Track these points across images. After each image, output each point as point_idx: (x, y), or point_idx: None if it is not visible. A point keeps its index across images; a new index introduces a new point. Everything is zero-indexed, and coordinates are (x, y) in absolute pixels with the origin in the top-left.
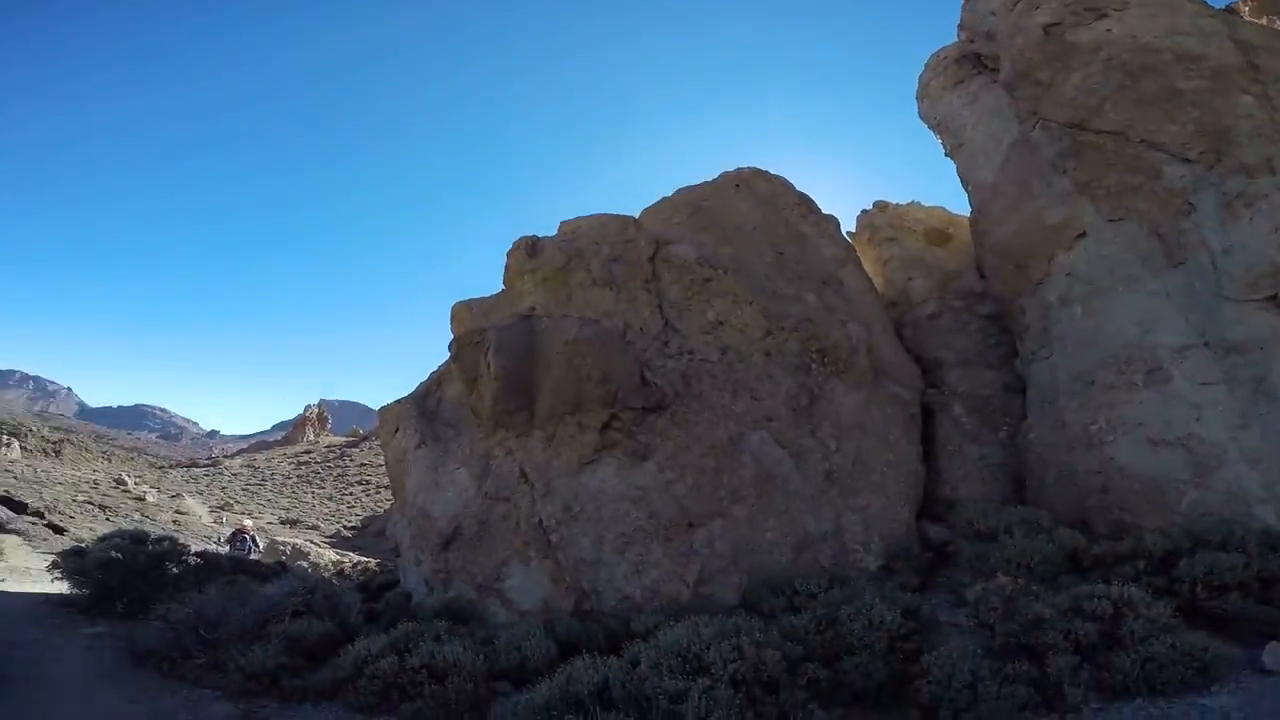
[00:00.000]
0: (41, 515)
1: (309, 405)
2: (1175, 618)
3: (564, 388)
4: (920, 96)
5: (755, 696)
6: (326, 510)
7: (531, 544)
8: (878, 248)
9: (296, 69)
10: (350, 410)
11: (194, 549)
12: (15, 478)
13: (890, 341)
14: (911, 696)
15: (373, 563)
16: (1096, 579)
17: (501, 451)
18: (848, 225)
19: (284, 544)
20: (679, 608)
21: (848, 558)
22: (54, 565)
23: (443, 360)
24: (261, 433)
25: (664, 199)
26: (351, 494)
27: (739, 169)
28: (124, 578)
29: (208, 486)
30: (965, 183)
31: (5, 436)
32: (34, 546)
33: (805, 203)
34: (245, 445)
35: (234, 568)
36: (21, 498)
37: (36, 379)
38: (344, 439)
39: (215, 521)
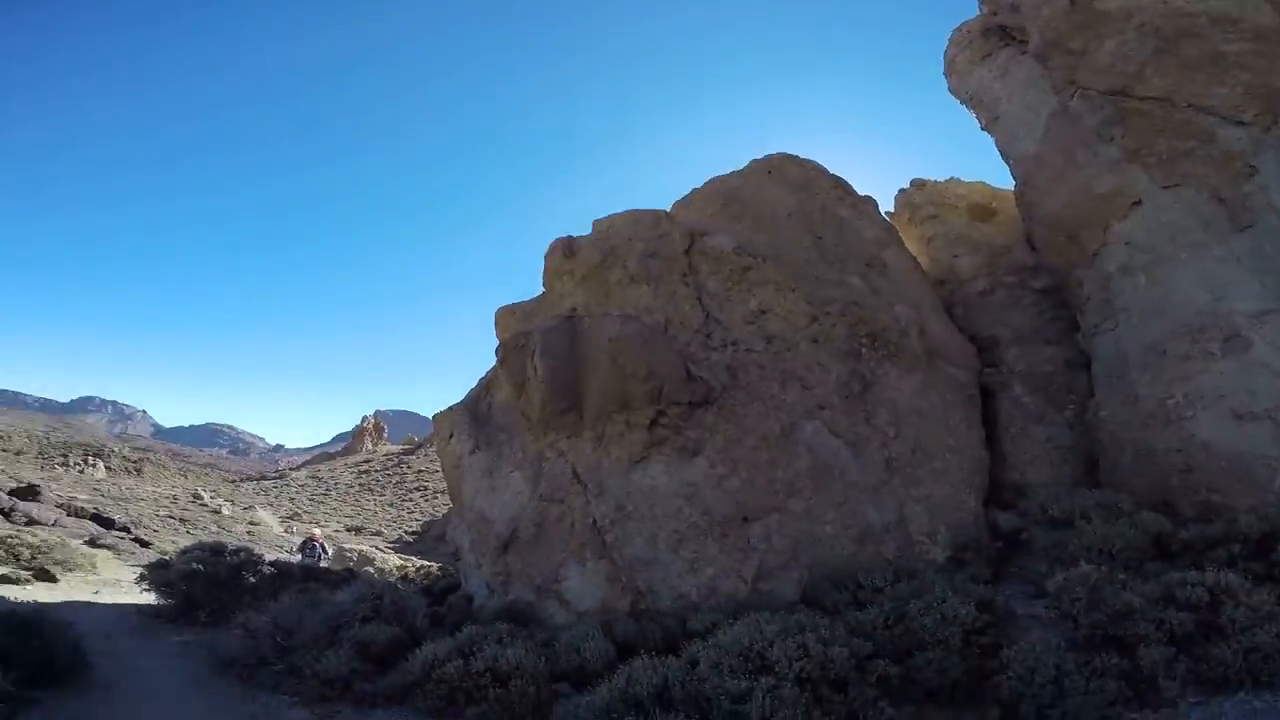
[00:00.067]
0: (128, 530)
1: (365, 416)
2: (1279, 606)
3: (609, 386)
4: (948, 72)
5: (822, 695)
6: (388, 517)
7: (587, 545)
8: (919, 226)
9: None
10: (404, 419)
11: (268, 558)
12: (103, 495)
13: (942, 321)
14: (990, 693)
15: (435, 567)
16: (1186, 565)
17: (553, 453)
18: (884, 206)
19: (351, 551)
20: (737, 605)
21: (913, 549)
22: (141, 577)
23: (490, 365)
24: (323, 445)
25: (694, 190)
26: (410, 500)
27: (768, 156)
28: (206, 588)
29: (276, 498)
30: (1005, 156)
31: (91, 457)
32: (123, 560)
33: (841, 185)
34: (308, 457)
35: (306, 575)
36: (110, 514)
37: (114, 403)
38: (400, 447)
39: (285, 531)
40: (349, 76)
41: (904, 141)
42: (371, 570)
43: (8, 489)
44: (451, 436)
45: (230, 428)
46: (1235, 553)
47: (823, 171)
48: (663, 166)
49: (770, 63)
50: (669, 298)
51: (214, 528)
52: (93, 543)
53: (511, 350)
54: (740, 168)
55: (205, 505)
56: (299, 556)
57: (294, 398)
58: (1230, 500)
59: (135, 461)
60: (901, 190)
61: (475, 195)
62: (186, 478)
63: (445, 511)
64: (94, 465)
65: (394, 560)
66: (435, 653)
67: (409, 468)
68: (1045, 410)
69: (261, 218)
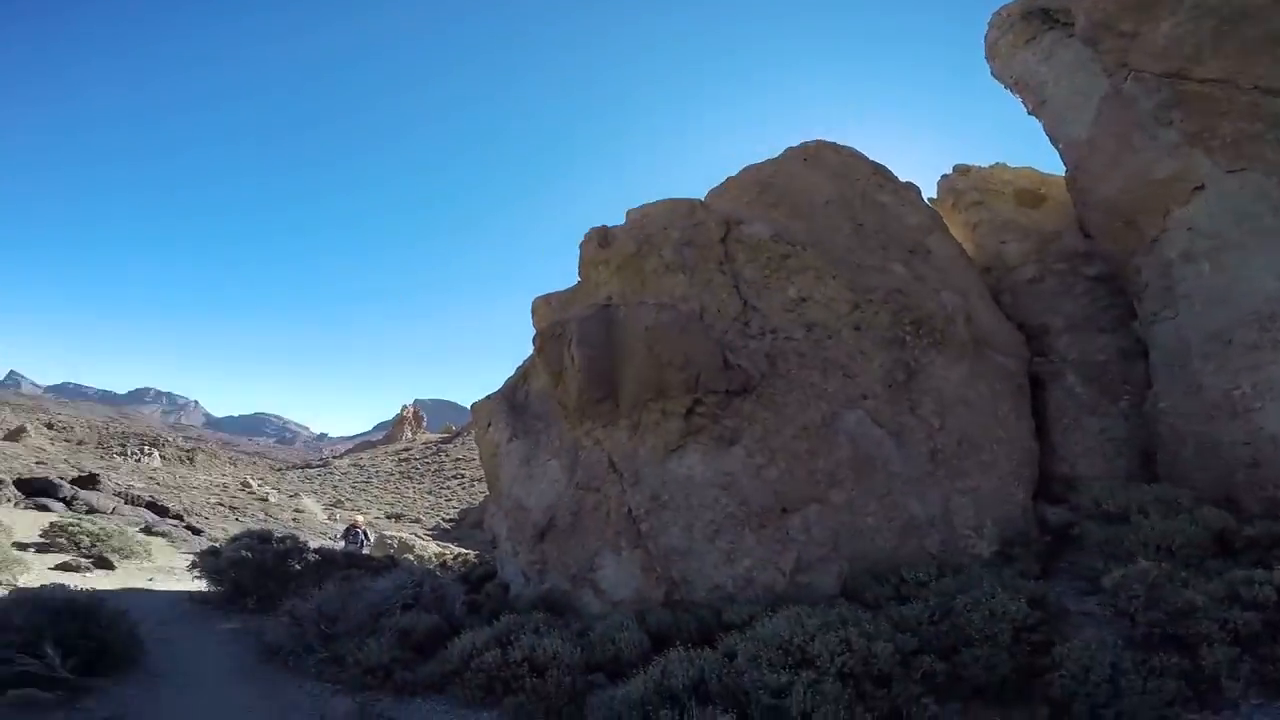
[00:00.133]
0: (181, 518)
1: (405, 405)
2: None
3: (646, 375)
4: (990, 57)
5: (865, 691)
6: (427, 504)
7: (622, 534)
8: (963, 212)
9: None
10: (442, 408)
11: (312, 545)
12: (158, 484)
13: (989, 309)
14: (1039, 691)
15: (472, 554)
16: (1251, 563)
17: (589, 441)
18: (927, 192)
19: (391, 538)
20: (775, 597)
21: (958, 543)
22: (193, 565)
23: (527, 354)
24: (364, 433)
25: (729, 179)
26: (448, 488)
27: (804, 143)
28: (254, 575)
29: (320, 485)
30: (1054, 141)
31: (147, 447)
32: (176, 547)
33: (881, 172)
34: (351, 445)
35: (348, 562)
36: (164, 502)
37: (169, 394)
38: (439, 436)
39: (329, 518)
40: (407, 50)
41: (930, 130)
42: (411, 558)
43: (70, 478)
44: (489, 425)
45: (277, 416)
46: None
47: (861, 158)
48: (698, 152)
49: (770, 61)
50: (705, 286)
51: (261, 515)
52: (148, 530)
53: (548, 339)
54: (775, 155)
55: (253, 493)
56: (343, 543)
57: (338, 387)
58: None
59: (188, 451)
60: (944, 176)
61: (507, 188)
62: (236, 466)
63: (482, 499)
64: (149, 455)
65: (432, 547)
66: (473, 642)
67: (447, 456)
68: (1099, 401)
69: (301, 209)
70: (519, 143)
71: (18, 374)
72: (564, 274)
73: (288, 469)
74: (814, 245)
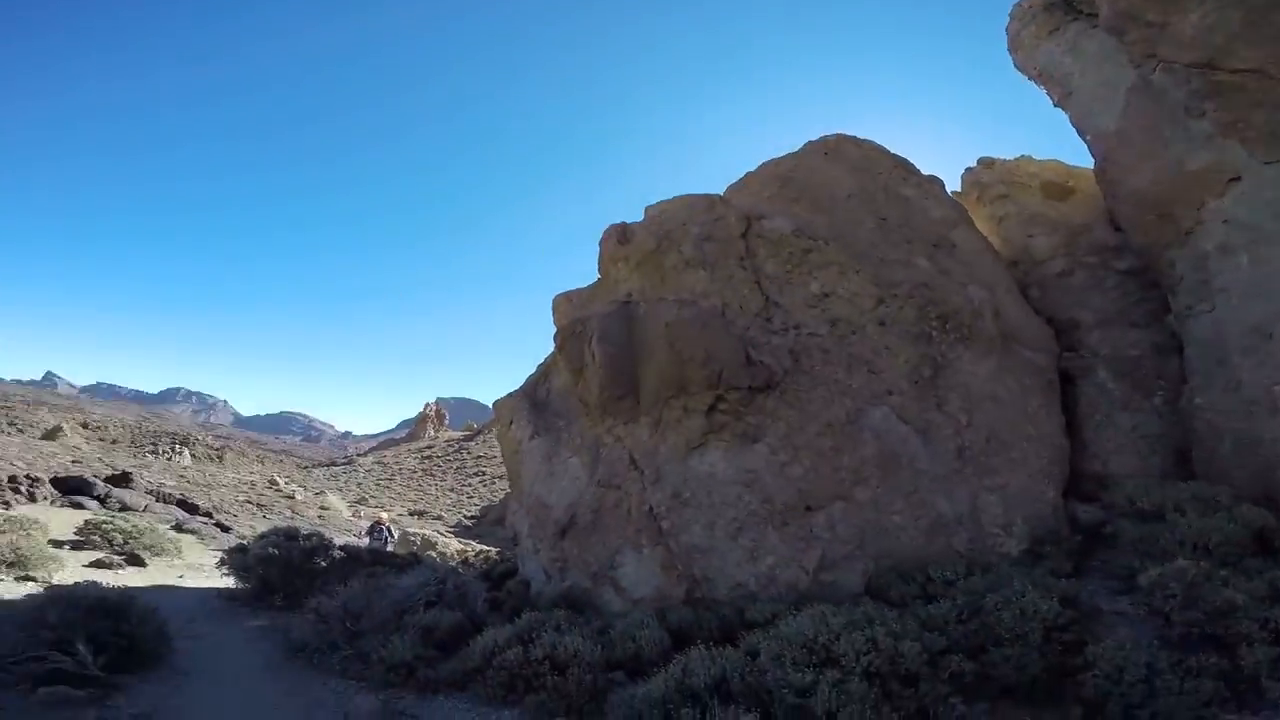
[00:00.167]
0: (210, 515)
1: (428, 403)
2: None
3: (667, 371)
4: (1013, 49)
5: (891, 691)
6: (449, 501)
7: (643, 531)
8: (989, 206)
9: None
10: (463, 406)
11: (338, 542)
12: (189, 482)
13: (1017, 303)
14: (1071, 691)
15: (493, 551)
16: None
17: (610, 439)
18: (950, 186)
19: (414, 535)
20: (798, 595)
21: (986, 542)
22: (221, 562)
23: (548, 352)
24: (388, 431)
25: (748, 174)
26: (470, 485)
27: (824, 137)
28: (280, 572)
29: (345, 483)
30: (1082, 133)
31: (178, 446)
32: (205, 544)
33: (903, 165)
34: (375, 443)
35: (373, 559)
36: (194, 500)
37: (198, 394)
38: (461, 434)
39: (354, 515)
40: (438, 36)
41: (951, 124)
42: (434, 554)
43: (104, 476)
44: (511, 423)
45: (304, 415)
46: None
47: (883, 151)
48: (710, 149)
49: (777, 58)
50: (726, 281)
51: (288, 512)
52: (178, 528)
53: (569, 337)
54: (795, 150)
55: (280, 491)
56: (367, 540)
57: (362, 385)
58: None
59: (217, 449)
60: (968, 169)
61: (513, 188)
62: (264, 464)
63: (503, 496)
64: (180, 453)
65: (454, 544)
66: (495, 640)
67: (469, 453)
68: (1132, 397)
69: (323, 206)
70: (570, 132)
71: (54, 374)
72: (584, 272)
73: (313, 467)
74: (836, 239)
